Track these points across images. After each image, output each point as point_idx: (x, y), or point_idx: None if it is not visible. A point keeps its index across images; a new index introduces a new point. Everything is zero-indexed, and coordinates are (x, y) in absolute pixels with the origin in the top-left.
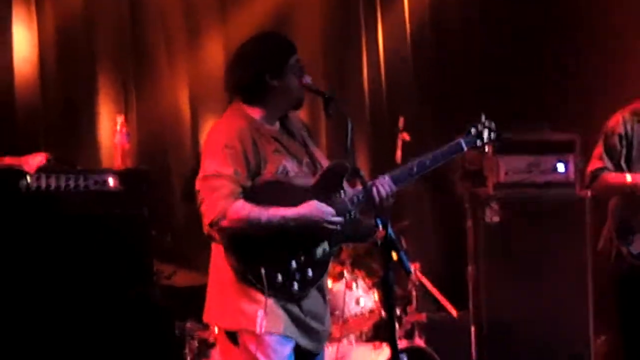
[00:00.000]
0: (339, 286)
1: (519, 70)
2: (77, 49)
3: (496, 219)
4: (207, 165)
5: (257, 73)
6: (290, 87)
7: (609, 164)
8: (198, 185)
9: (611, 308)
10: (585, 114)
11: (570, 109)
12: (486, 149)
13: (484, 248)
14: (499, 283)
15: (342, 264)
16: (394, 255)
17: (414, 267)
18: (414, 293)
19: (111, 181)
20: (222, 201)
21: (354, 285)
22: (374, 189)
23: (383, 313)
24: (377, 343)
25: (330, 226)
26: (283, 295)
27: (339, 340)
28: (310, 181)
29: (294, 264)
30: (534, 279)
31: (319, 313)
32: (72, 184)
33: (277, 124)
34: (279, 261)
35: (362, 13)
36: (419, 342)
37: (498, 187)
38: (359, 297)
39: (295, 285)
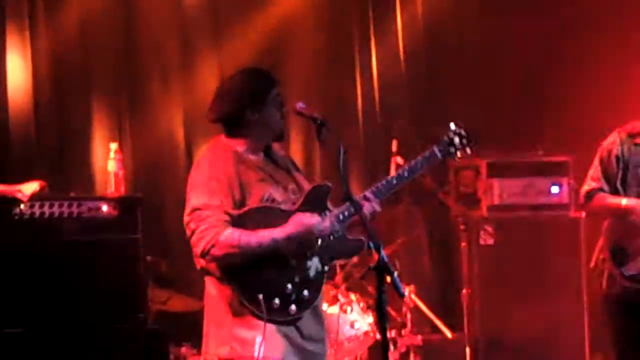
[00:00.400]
0: (334, 309)
1: (513, 92)
2: (71, 77)
3: (490, 241)
4: (195, 198)
5: (237, 107)
6: (270, 120)
7: (604, 186)
8: (186, 219)
9: (605, 327)
10: (578, 135)
11: (563, 131)
12: (458, 155)
13: (478, 270)
14: (493, 304)
15: (337, 287)
16: (387, 279)
17: (408, 290)
18: (408, 316)
19: (105, 207)
20: (211, 230)
21: (348, 308)
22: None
23: (378, 336)
24: None
25: (320, 233)
26: (281, 317)
27: None
28: (295, 205)
29: (289, 286)
30: (529, 299)
31: (316, 335)
32: (66, 210)
33: (261, 154)
34: (275, 285)
35: (356, 35)
36: None
37: (492, 209)
38: (353, 320)
39: (293, 307)
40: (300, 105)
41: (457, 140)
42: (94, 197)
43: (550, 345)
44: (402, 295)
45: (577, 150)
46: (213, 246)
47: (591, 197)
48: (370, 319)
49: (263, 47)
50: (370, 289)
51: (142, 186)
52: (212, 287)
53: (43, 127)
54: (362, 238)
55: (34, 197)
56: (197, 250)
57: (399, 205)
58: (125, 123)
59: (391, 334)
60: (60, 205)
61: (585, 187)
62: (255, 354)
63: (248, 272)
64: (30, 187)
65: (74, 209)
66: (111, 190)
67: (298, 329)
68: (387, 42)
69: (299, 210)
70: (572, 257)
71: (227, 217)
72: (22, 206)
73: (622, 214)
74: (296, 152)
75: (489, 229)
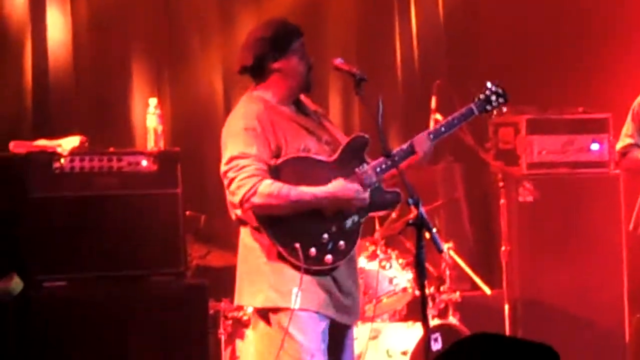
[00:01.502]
0: (373, 265)
1: (553, 49)
2: (110, 32)
3: (529, 198)
4: (231, 148)
5: (259, 56)
6: (293, 70)
7: (639, 141)
8: (224, 168)
9: None
10: (620, 93)
11: (604, 88)
12: (495, 113)
13: (517, 227)
14: (532, 262)
15: (376, 243)
16: (426, 235)
17: (447, 247)
18: (447, 272)
19: (144, 162)
20: (252, 178)
21: (387, 264)
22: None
23: (417, 292)
24: (410, 322)
25: (359, 204)
26: (318, 266)
27: (372, 319)
28: (332, 156)
29: (326, 235)
30: (568, 257)
31: (350, 287)
32: (105, 165)
33: (292, 106)
34: (312, 234)
35: None
36: (453, 320)
37: (532, 166)
38: (392, 276)
39: (329, 256)
40: (338, 60)
41: (493, 98)
42: (134, 151)
43: (589, 304)
44: (440, 251)
45: (618, 108)
46: (253, 194)
47: (625, 154)
48: (409, 275)
49: (302, 3)
50: (409, 245)
51: (181, 141)
52: (248, 238)
53: (83, 82)
54: (399, 191)
55: (74, 152)
56: (236, 198)
57: (439, 163)
58: (164, 78)
59: (430, 290)
60: (100, 160)
61: (620, 144)
62: (292, 305)
63: (285, 221)
64: (70, 142)
65: (114, 164)
66: (150, 145)
67: (335, 281)
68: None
69: (336, 161)
70: (612, 215)
71: (265, 167)
72: (62, 160)
73: None
74: (334, 108)
75: (528, 186)
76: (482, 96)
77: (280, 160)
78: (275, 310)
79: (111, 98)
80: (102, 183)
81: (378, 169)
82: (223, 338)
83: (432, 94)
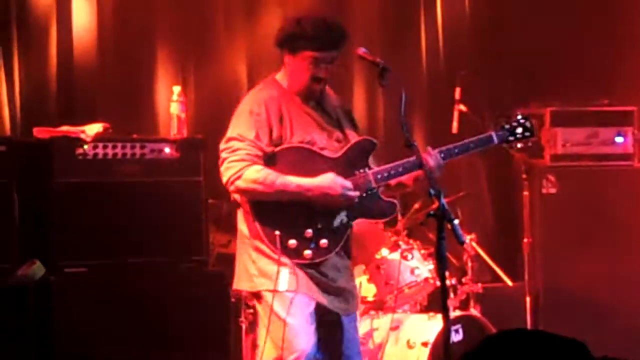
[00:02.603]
0: (395, 256)
1: (579, 41)
2: (135, 18)
3: (553, 190)
4: (232, 128)
5: (278, 42)
6: (295, 73)
7: None
8: (221, 146)
9: None
10: None
11: (630, 80)
12: (517, 145)
13: (540, 219)
14: (555, 254)
15: (398, 233)
16: (448, 226)
17: (469, 238)
18: (469, 263)
19: (167, 149)
20: (241, 162)
21: (409, 255)
22: (424, 159)
23: (438, 283)
24: (431, 313)
25: (346, 201)
26: (295, 259)
27: (393, 309)
28: (336, 154)
29: (309, 231)
30: (591, 250)
31: (340, 277)
32: (128, 151)
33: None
34: (295, 226)
35: None
36: (474, 312)
37: (555, 158)
38: (414, 267)
39: (308, 252)
40: (362, 50)
41: (519, 130)
42: (157, 138)
43: (612, 297)
44: (462, 243)
45: None
46: (237, 178)
47: None
48: (430, 265)
49: None
50: (432, 236)
51: (204, 129)
52: (241, 221)
53: (107, 69)
54: (396, 202)
55: (97, 138)
56: (224, 179)
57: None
58: (188, 66)
59: (451, 281)
60: (123, 147)
61: None
62: (279, 287)
63: (272, 209)
64: (93, 128)
65: (137, 150)
66: (174, 132)
67: (319, 269)
68: None
69: (339, 159)
70: (635, 208)
71: (259, 153)
72: (85, 147)
73: None
74: (358, 98)
75: (552, 178)
76: (507, 126)
77: (279, 148)
78: (264, 292)
79: (135, 85)
80: (125, 170)
81: (379, 176)
82: (244, 326)
83: (457, 84)
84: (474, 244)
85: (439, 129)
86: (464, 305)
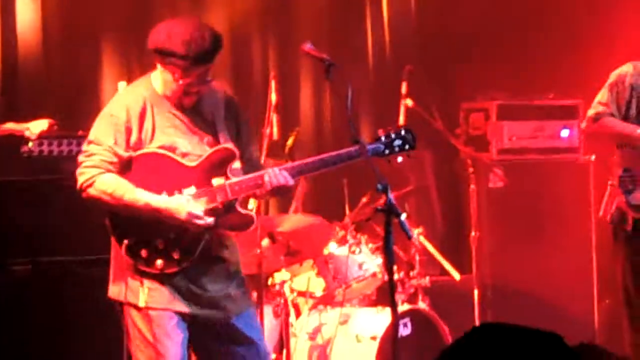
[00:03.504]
0: (342, 250)
1: (524, 35)
2: (80, 16)
3: (499, 184)
4: (92, 130)
5: (151, 44)
6: (164, 79)
7: (615, 112)
8: (82, 147)
9: (614, 271)
10: (590, 79)
11: (574, 74)
12: (399, 160)
13: (487, 213)
14: (502, 247)
15: (346, 228)
16: (395, 220)
17: (417, 232)
18: (417, 257)
19: None
20: (93, 169)
21: (357, 249)
22: (266, 177)
23: (386, 277)
24: (380, 307)
25: (195, 228)
26: (147, 268)
27: (341, 304)
28: (195, 162)
29: (161, 240)
30: (538, 243)
31: (205, 284)
32: (74, 149)
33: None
34: (147, 235)
35: None
36: (423, 305)
37: (502, 152)
38: (362, 261)
39: (159, 262)
40: (308, 45)
41: (397, 142)
42: None
43: (558, 290)
44: (409, 237)
45: (588, 94)
46: (89, 186)
47: (597, 120)
48: (378, 260)
49: None
50: (380, 230)
51: None
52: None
53: (52, 65)
54: (253, 215)
55: (42, 135)
56: (77, 184)
57: None
58: (134, 62)
59: (399, 275)
60: (69, 144)
61: (592, 110)
62: (140, 303)
63: (127, 216)
64: (39, 125)
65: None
66: None
67: (186, 276)
68: None
69: (196, 168)
70: (581, 202)
71: (115, 159)
72: (30, 144)
73: (634, 142)
74: (305, 94)
75: (499, 171)
76: (383, 138)
77: (136, 154)
78: (127, 304)
79: (81, 81)
80: (71, 167)
81: (236, 187)
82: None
83: (403, 79)
84: (421, 238)
85: (386, 124)
86: (412, 299)
